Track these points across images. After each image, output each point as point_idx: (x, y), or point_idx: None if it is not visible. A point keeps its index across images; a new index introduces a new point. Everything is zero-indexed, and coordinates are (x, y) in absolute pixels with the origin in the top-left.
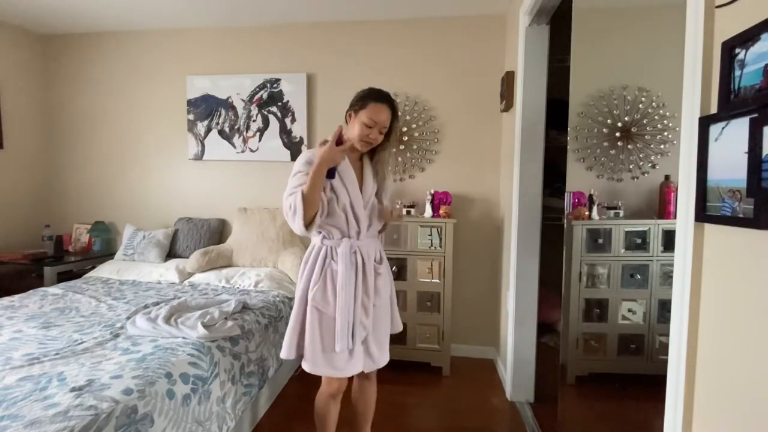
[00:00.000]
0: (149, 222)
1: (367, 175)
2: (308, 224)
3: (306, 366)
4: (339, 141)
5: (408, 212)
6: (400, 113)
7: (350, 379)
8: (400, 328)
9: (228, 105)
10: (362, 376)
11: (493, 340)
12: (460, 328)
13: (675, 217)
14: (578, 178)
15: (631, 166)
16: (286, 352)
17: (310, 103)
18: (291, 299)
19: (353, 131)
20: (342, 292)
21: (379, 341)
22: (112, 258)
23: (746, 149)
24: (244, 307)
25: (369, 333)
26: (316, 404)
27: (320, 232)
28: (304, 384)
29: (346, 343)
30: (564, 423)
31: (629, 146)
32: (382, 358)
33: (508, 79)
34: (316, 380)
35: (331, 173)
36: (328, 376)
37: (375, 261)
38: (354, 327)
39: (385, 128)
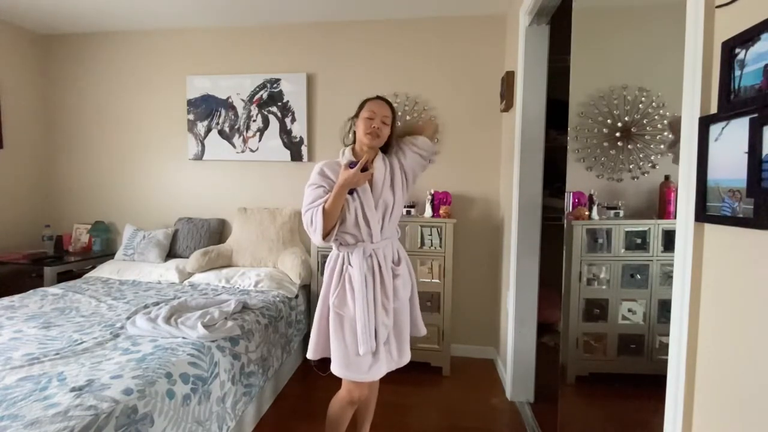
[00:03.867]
0: (149, 222)
1: (377, 177)
2: (326, 235)
3: (333, 369)
4: (364, 168)
5: (408, 212)
6: (399, 113)
7: None
8: (423, 332)
9: (228, 105)
10: None
11: (493, 340)
12: (460, 328)
13: (675, 217)
14: (578, 178)
15: (631, 166)
16: (311, 353)
17: (310, 103)
18: (291, 299)
19: (358, 131)
20: (359, 297)
21: (399, 341)
22: (112, 258)
23: (746, 149)
24: (244, 307)
25: (390, 333)
26: (331, 408)
27: (336, 240)
28: (305, 384)
29: (369, 346)
30: (564, 423)
31: (629, 146)
32: (403, 359)
33: (508, 79)
34: (317, 381)
35: (350, 190)
36: (354, 380)
37: (393, 262)
38: (377, 329)
39: (387, 118)
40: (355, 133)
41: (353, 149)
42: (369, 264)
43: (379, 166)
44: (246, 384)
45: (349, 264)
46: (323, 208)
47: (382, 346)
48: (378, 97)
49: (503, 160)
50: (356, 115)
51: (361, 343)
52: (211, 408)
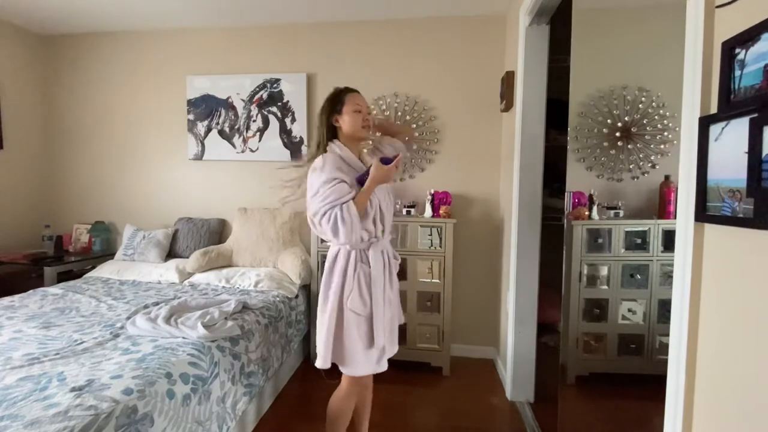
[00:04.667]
0: (149, 222)
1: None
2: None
3: (350, 371)
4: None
5: (408, 212)
6: (399, 113)
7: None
8: (403, 319)
9: (228, 105)
10: None
11: (493, 340)
12: (460, 328)
13: (675, 217)
14: (578, 178)
15: (631, 166)
16: (322, 362)
17: (310, 103)
18: (291, 299)
19: (349, 127)
20: (378, 292)
21: (392, 332)
22: (112, 258)
23: (746, 149)
24: (244, 307)
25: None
26: (332, 403)
27: None
28: (305, 384)
29: (383, 340)
30: (564, 423)
31: (629, 146)
32: (394, 347)
33: (508, 79)
34: (317, 381)
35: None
36: (366, 374)
37: (394, 257)
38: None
39: (369, 108)
40: (335, 128)
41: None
42: (381, 259)
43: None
44: (246, 384)
45: (362, 261)
46: (354, 205)
47: (387, 337)
48: (353, 89)
49: (503, 160)
50: (336, 111)
51: (379, 336)
52: (211, 408)
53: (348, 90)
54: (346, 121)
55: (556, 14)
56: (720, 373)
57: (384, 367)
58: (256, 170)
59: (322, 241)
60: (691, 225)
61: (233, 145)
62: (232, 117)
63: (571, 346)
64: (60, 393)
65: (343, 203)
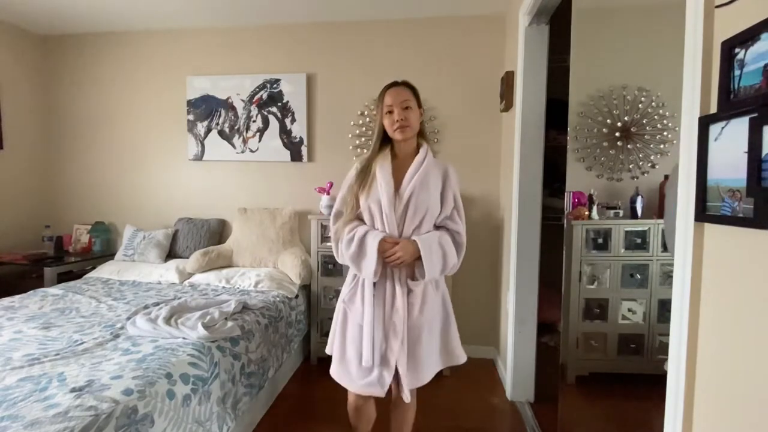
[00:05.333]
0: (149, 222)
1: (408, 174)
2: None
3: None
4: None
5: None
6: None
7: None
8: (460, 359)
9: (228, 105)
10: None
11: (493, 340)
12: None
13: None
14: (578, 178)
15: (630, 166)
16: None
17: (310, 103)
18: (291, 299)
19: (388, 131)
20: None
21: (388, 359)
22: (112, 258)
23: (746, 149)
24: (245, 308)
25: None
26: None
27: None
28: (305, 384)
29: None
30: (564, 423)
31: (629, 146)
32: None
33: (508, 79)
34: (317, 381)
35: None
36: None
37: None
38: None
39: (407, 101)
40: (386, 131)
41: (392, 149)
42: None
43: (418, 159)
44: (246, 384)
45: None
46: (359, 260)
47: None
48: (393, 84)
49: (503, 160)
50: (378, 107)
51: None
52: (212, 408)
53: (388, 86)
54: (384, 121)
55: (555, 14)
56: (720, 373)
57: (366, 389)
58: (256, 170)
59: (323, 241)
60: (690, 225)
61: (233, 145)
62: (232, 117)
63: (571, 346)
64: (60, 393)
65: (354, 230)
